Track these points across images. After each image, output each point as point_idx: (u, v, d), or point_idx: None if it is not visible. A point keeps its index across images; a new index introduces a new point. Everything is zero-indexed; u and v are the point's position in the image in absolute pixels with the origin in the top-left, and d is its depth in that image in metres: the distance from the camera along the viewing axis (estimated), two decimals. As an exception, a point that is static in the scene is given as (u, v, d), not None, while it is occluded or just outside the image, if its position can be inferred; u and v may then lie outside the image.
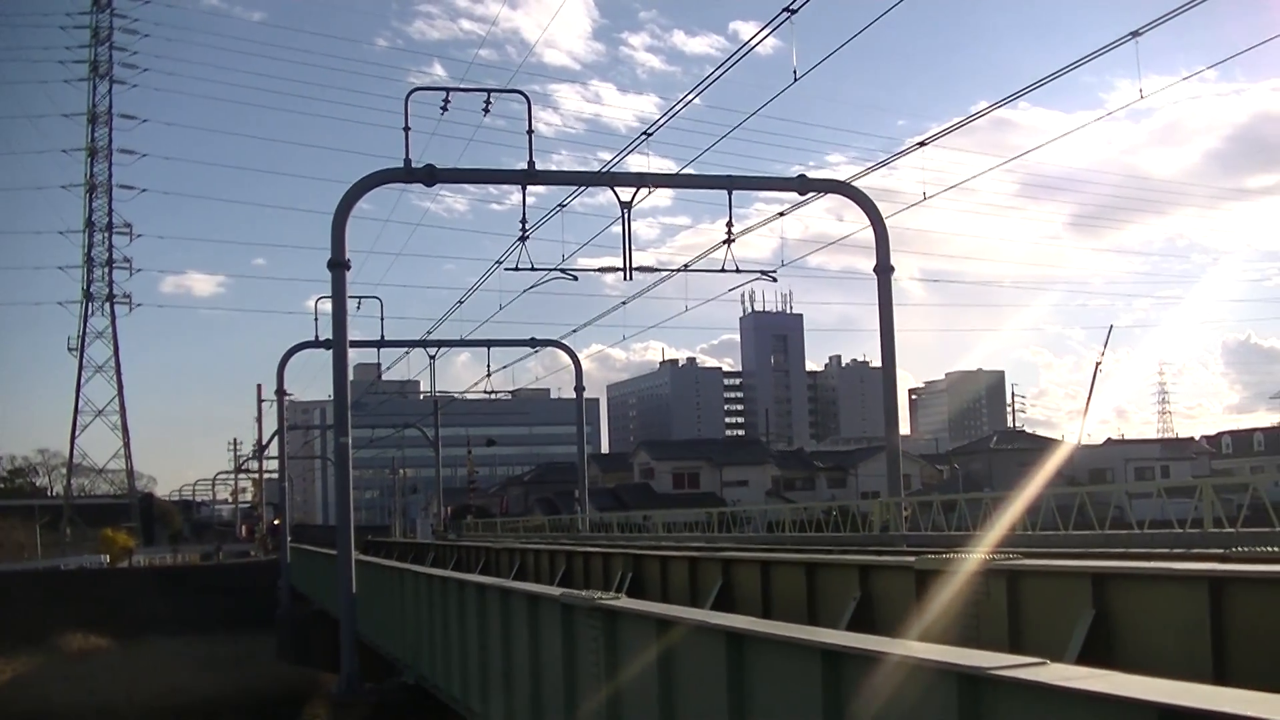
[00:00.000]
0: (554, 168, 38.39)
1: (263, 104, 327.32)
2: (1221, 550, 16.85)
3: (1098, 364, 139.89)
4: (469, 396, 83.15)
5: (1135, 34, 25.40)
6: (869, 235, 35.76)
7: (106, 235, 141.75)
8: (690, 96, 32.61)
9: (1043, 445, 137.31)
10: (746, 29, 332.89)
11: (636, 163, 43.24)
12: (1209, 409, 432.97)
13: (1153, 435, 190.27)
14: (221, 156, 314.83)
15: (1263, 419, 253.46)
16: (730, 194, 35.67)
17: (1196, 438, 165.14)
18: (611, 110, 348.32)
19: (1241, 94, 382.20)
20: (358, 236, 44.65)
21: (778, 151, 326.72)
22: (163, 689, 62.55)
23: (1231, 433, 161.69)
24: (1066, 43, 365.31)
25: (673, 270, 40.24)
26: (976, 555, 14.68)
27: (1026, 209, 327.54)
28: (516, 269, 36.54)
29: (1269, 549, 16.79)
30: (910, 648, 8.34)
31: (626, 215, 35.17)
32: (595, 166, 37.39)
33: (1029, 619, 12.80)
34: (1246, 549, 16.88)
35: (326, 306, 41.32)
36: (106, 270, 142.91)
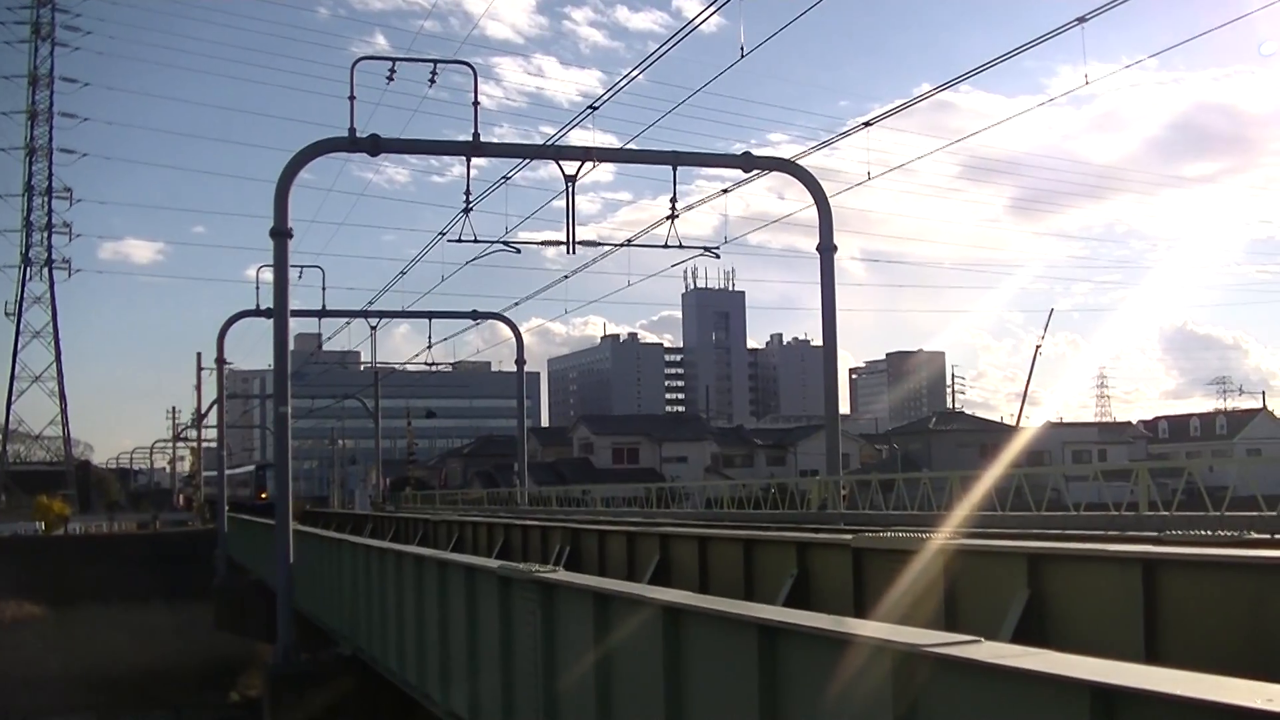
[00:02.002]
0: (496, 141, 38.17)
1: (205, 69, 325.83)
2: (1156, 533, 16.99)
3: (1038, 347, 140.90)
4: (409, 368, 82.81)
5: (1082, 20, 25.50)
6: (811, 214, 35.82)
7: (46, 199, 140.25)
8: (635, 73, 32.59)
9: (981, 427, 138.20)
10: (690, 5, 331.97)
11: (580, 137, 43.13)
12: (1146, 394, 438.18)
13: (1090, 419, 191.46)
14: (163, 122, 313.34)
15: (1198, 404, 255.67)
16: (675, 170, 35.63)
17: (1133, 422, 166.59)
18: (554, 84, 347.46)
19: (1181, 83, 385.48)
20: (300, 206, 44.44)
21: (719, 128, 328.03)
22: (97, 658, 62.28)
23: (1168, 418, 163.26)
24: (1008, 26, 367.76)
25: (616, 245, 40.22)
26: (913, 534, 14.76)
27: (967, 191, 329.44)
28: (460, 241, 36.50)
29: (1202, 532, 16.92)
30: (846, 624, 8.38)
31: (570, 189, 35.13)
32: (537, 140, 37.22)
33: (965, 598, 12.87)
34: (1180, 532, 17.01)
35: (267, 275, 41.24)
36: (45, 235, 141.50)
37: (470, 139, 34.08)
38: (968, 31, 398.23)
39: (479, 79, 34.49)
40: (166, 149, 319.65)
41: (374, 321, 63.91)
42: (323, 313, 60.41)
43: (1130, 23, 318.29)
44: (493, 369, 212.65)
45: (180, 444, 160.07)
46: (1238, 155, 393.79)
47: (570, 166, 34.95)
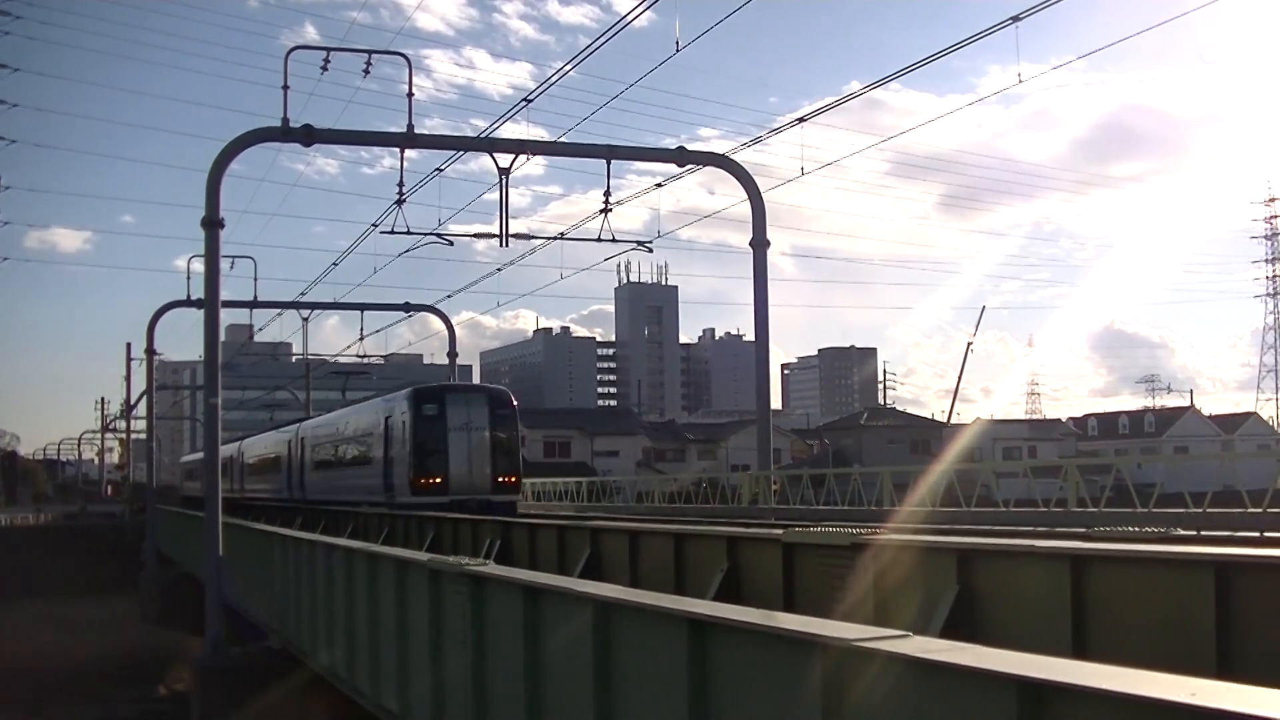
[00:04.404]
0: (426, 133, 38.15)
1: (136, 56, 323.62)
2: (1084, 529, 17.11)
3: (969, 345, 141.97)
4: (341, 360, 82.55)
5: (1016, 19, 25.67)
6: (741, 210, 36.02)
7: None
8: (569, 67, 32.60)
9: (912, 423, 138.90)
10: (621, 0, 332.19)
11: (512, 130, 43.11)
12: (1075, 392, 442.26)
13: (1021, 416, 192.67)
14: (93, 109, 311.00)
15: (1127, 402, 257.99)
16: (609, 164, 35.64)
17: (1063, 419, 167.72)
18: (485, 77, 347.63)
19: (1108, 84, 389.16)
20: (231, 196, 44.14)
21: (651, 122, 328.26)
22: (21, 652, 61.63)
23: (1097, 415, 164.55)
24: (937, 26, 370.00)
25: (549, 238, 40.24)
26: (844, 529, 14.81)
27: (897, 188, 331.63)
28: (392, 232, 36.36)
29: (1130, 529, 17.08)
30: (776, 619, 8.39)
31: (504, 182, 35.11)
32: (468, 133, 37.42)
33: (894, 593, 12.91)
34: (1108, 528, 17.16)
35: (198, 265, 40.89)
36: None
37: (403, 130, 33.99)
38: (898, 30, 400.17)
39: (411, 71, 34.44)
40: (96, 136, 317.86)
41: (306, 313, 63.95)
42: (254, 304, 60.27)
43: (1057, 24, 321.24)
44: (424, 361, 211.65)
45: (109, 435, 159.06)
46: (1165, 156, 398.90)
47: (505, 159, 34.93)
